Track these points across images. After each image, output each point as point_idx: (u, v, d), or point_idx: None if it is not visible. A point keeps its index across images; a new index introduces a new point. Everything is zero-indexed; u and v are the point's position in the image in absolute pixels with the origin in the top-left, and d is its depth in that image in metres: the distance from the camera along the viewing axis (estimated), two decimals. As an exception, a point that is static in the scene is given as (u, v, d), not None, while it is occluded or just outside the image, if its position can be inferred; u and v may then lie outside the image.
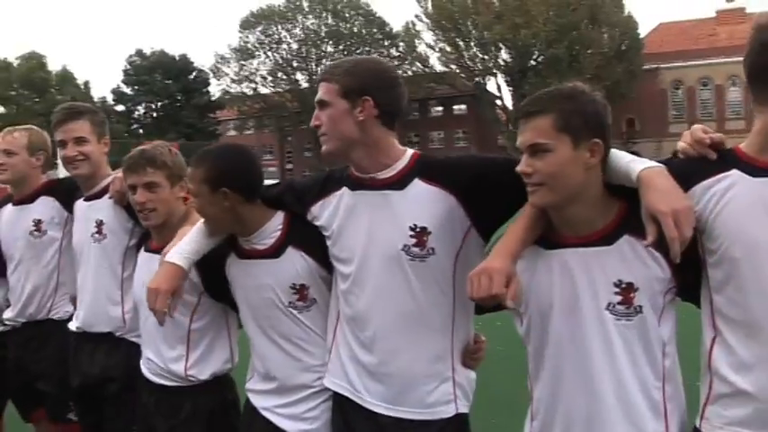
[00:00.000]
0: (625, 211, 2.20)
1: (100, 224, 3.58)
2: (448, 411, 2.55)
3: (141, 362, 3.25)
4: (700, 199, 2.08)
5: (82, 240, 3.66)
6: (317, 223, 2.72)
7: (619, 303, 2.16)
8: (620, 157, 2.22)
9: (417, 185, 2.51)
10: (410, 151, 2.59)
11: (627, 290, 2.15)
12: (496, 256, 2.21)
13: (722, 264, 2.06)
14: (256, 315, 2.87)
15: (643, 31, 65.31)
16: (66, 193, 3.86)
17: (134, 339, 3.44)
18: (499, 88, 64.87)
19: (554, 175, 2.13)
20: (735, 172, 2.06)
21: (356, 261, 2.57)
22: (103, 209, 3.59)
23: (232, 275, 2.92)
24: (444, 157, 2.67)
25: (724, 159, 2.10)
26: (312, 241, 2.74)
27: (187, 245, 2.84)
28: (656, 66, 65.55)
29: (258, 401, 2.91)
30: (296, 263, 2.78)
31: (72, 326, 3.69)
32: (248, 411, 2.96)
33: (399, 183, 2.52)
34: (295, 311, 2.79)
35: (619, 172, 2.19)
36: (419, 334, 2.52)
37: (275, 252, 2.80)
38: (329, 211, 2.67)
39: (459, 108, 73.36)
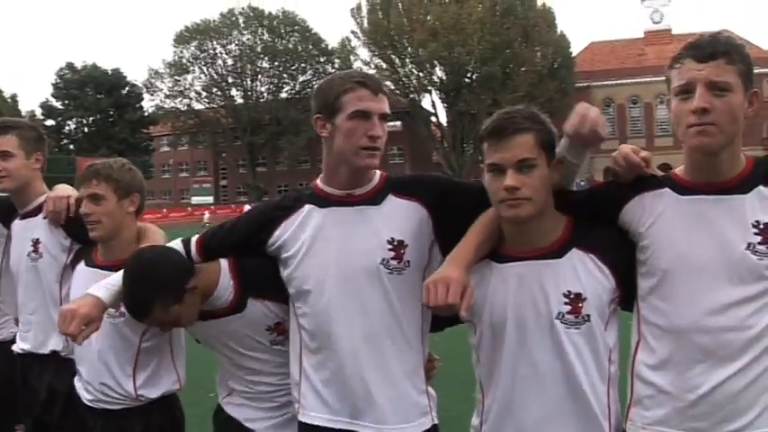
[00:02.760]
0: (572, 226, 2.34)
1: (36, 243, 3.46)
2: (426, 423, 2.56)
3: (78, 386, 3.13)
4: (635, 211, 2.30)
5: (18, 260, 3.54)
6: (277, 245, 2.61)
7: (568, 313, 2.24)
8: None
9: (392, 200, 2.54)
10: (379, 172, 2.61)
11: (575, 300, 2.24)
12: (452, 266, 2.27)
13: (650, 273, 2.25)
14: (237, 357, 2.82)
15: (575, 50, 66.64)
16: (2, 211, 3.71)
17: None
18: (434, 105, 65.72)
19: (538, 190, 2.22)
20: (666, 190, 2.27)
21: (329, 279, 2.51)
22: (39, 227, 3.47)
23: (197, 329, 2.85)
24: (411, 174, 2.75)
25: (658, 179, 2.31)
26: (268, 286, 2.66)
27: (118, 284, 2.70)
28: (587, 84, 66.84)
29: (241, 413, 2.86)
30: (262, 309, 2.72)
31: (17, 348, 3.57)
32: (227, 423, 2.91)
33: (375, 198, 2.54)
34: (279, 346, 2.75)
35: (559, 153, 2.33)
36: (399, 348, 2.51)
37: (237, 307, 2.72)
38: (292, 231, 2.59)
39: (394, 125, 73.58)
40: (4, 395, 3.65)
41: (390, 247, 2.48)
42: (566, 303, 2.24)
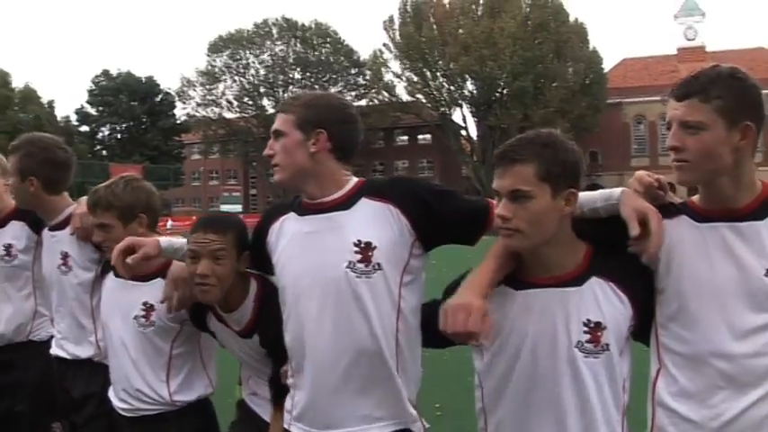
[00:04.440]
0: (591, 254, 2.28)
1: (65, 256, 3.54)
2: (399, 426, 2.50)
3: (112, 395, 3.19)
4: None
5: (50, 271, 3.62)
6: (269, 251, 2.66)
7: (587, 342, 2.21)
8: (589, 193, 2.34)
9: (363, 203, 2.50)
10: (355, 178, 2.60)
11: (595, 329, 2.20)
12: (471, 292, 2.20)
13: (669, 300, 2.23)
14: (255, 365, 2.97)
15: (607, 65, 66.40)
16: (35, 217, 3.79)
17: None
18: (464, 119, 65.53)
19: (532, 222, 2.16)
20: (684, 217, 2.26)
21: (301, 288, 2.50)
22: (67, 241, 3.54)
23: (214, 329, 3.00)
24: (387, 177, 2.74)
25: (676, 206, 2.30)
26: (277, 321, 2.65)
27: (180, 243, 2.90)
28: (619, 100, 66.51)
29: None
30: (265, 339, 2.84)
31: (52, 352, 3.65)
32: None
33: (346, 203, 2.51)
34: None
35: (591, 202, 2.31)
36: (371, 357, 2.44)
37: (247, 334, 2.86)
38: (274, 238, 2.63)
39: (424, 138, 73.79)
40: (42, 394, 3.74)
41: (357, 249, 2.42)
42: (585, 332, 2.21)
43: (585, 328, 2.21)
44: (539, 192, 2.16)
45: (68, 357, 3.55)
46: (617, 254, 2.26)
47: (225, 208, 66.88)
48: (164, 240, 2.92)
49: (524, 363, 2.26)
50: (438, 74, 63.83)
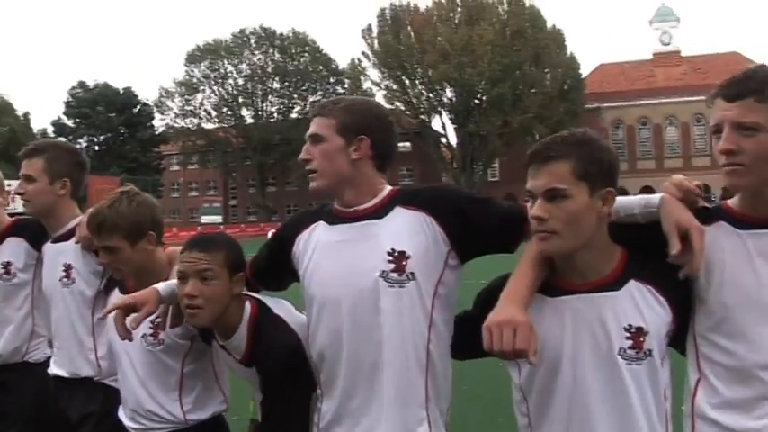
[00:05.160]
0: (627, 257, 2.18)
1: (68, 268, 3.41)
2: None
3: (122, 415, 3.03)
4: None
5: (51, 285, 3.48)
6: (295, 261, 2.54)
7: (630, 348, 2.10)
8: (625, 198, 2.23)
9: (398, 212, 2.41)
10: (389, 186, 2.51)
11: (637, 334, 2.10)
12: (513, 306, 2.07)
13: (712, 310, 2.12)
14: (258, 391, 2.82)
15: (584, 71, 66.83)
16: (34, 232, 3.67)
17: (112, 384, 3.26)
18: (444, 126, 65.78)
19: (569, 223, 2.05)
20: (722, 223, 2.16)
21: (330, 299, 2.41)
22: (71, 252, 3.41)
23: (219, 353, 2.84)
24: (422, 185, 2.65)
25: (712, 211, 2.20)
26: (277, 351, 2.57)
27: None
28: (597, 105, 66.94)
29: None
30: (262, 369, 2.67)
31: (50, 371, 3.52)
32: None
33: (380, 212, 2.42)
34: None
35: (629, 207, 2.20)
36: (397, 370, 2.34)
37: (248, 363, 2.69)
38: (302, 246, 2.52)
39: (404, 146, 73.59)
40: (40, 417, 3.61)
41: (391, 258, 2.33)
42: (627, 338, 2.09)
43: (627, 334, 2.10)
44: (576, 190, 2.05)
45: (66, 376, 3.42)
46: (653, 256, 2.14)
47: (205, 219, 66.93)
48: (162, 287, 2.73)
49: (564, 374, 2.14)
50: (417, 82, 64.04)
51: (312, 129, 2.47)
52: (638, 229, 2.19)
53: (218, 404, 3.01)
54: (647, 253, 2.16)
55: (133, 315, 2.66)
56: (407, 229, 2.37)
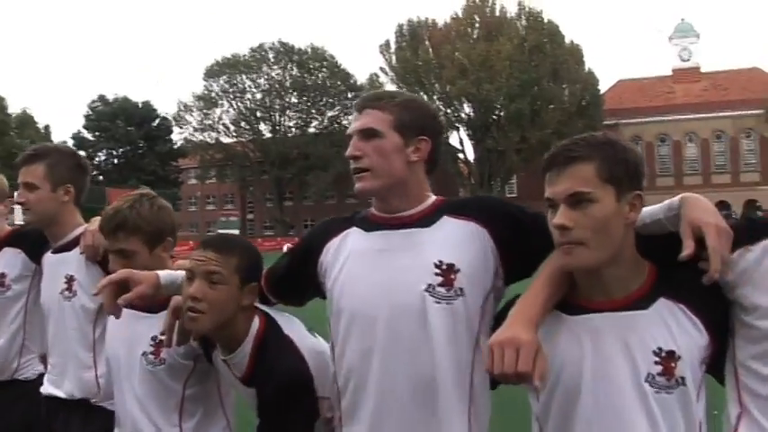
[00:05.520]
0: (656, 273, 1.97)
1: (70, 280, 3.18)
2: None
3: None
4: (738, 264, 1.91)
5: (50, 297, 3.25)
6: (323, 272, 2.31)
7: (659, 374, 1.87)
8: (650, 207, 2.03)
9: (445, 221, 2.19)
10: (434, 196, 2.32)
11: (668, 359, 1.87)
12: (519, 325, 1.88)
13: (758, 339, 1.88)
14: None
15: (603, 87, 66.55)
16: (33, 243, 3.46)
17: (111, 408, 3.00)
18: (461, 142, 65.48)
19: (597, 231, 1.85)
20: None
21: (364, 314, 2.17)
22: (73, 263, 3.19)
23: (220, 369, 2.63)
24: (470, 196, 2.47)
25: (759, 225, 1.97)
26: (280, 375, 2.37)
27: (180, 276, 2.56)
28: (615, 121, 66.60)
29: None
30: (263, 393, 2.46)
31: (43, 390, 3.28)
32: None
33: (425, 219, 2.21)
34: None
35: (655, 213, 1.99)
36: (441, 394, 2.11)
37: (248, 382, 2.49)
38: (332, 255, 2.29)
39: (422, 160, 73.59)
40: None
41: (438, 271, 2.11)
42: (656, 363, 1.87)
43: (656, 359, 1.87)
44: (602, 194, 1.86)
45: (62, 396, 3.17)
46: (685, 271, 1.91)
47: (222, 233, 66.68)
48: (164, 274, 2.55)
49: (585, 402, 1.92)
50: (435, 97, 63.79)
51: (363, 122, 2.21)
52: (668, 241, 1.95)
53: (221, 429, 2.75)
54: (680, 266, 1.91)
55: (125, 296, 2.46)
56: (457, 240, 2.16)
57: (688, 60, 72.54)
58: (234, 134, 73.63)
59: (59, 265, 3.25)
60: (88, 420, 3.12)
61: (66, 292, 3.19)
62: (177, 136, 73.18)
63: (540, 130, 58.31)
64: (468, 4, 63.36)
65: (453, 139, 65.67)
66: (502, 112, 61.11)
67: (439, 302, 2.11)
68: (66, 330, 3.19)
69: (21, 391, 3.50)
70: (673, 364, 1.87)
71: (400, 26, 65.60)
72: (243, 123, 73.40)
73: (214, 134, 73.26)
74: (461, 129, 64.77)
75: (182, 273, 2.53)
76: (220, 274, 2.39)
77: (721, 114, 65.87)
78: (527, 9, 62.75)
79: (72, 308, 3.18)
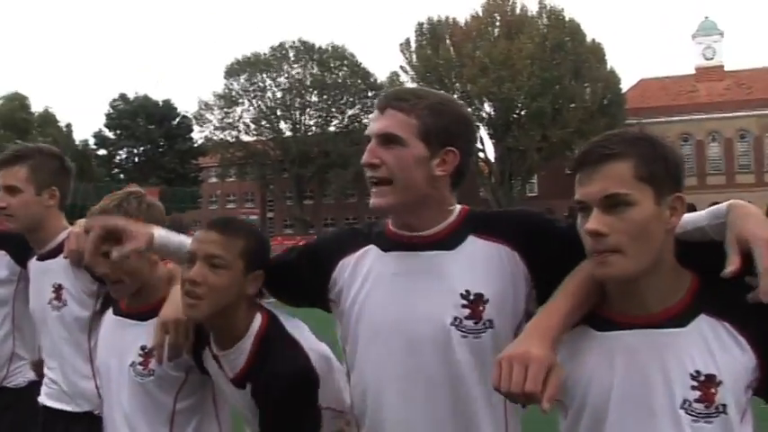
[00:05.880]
0: (697, 285, 1.78)
1: (58, 289, 2.99)
2: None
3: None
4: None
5: (39, 307, 3.09)
6: (336, 290, 2.11)
7: (697, 401, 1.68)
8: (692, 213, 1.86)
9: (471, 243, 1.97)
10: (458, 206, 2.07)
11: (707, 384, 1.68)
12: (533, 339, 1.70)
13: None
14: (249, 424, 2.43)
15: (624, 86, 66.03)
16: (18, 246, 3.27)
17: None
18: (482, 141, 65.12)
19: (636, 237, 1.67)
20: None
21: (381, 346, 1.97)
22: (60, 270, 2.99)
23: (209, 369, 2.44)
24: (498, 209, 2.22)
25: None
26: (284, 376, 2.20)
27: (178, 240, 2.41)
28: (637, 120, 65.99)
29: None
30: (257, 394, 2.27)
31: (42, 401, 3.13)
32: None
33: (449, 241, 1.97)
34: None
35: (697, 221, 1.81)
36: None
37: (240, 382, 2.31)
38: (348, 275, 2.08)
39: (442, 159, 73.52)
40: None
41: (465, 302, 1.91)
42: (694, 388, 1.68)
43: (694, 383, 1.68)
44: (640, 196, 1.68)
45: (67, 409, 3.00)
46: (732, 284, 1.72)
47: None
48: (160, 234, 2.37)
49: (613, 427, 1.74)
50: (455, 96, 63.59)
51: (384, 125, 1.95)
52: (711, 248, 1.77)
53: None
54: (724, 279, 1.72)
55: (118, 250, 2.29)
56: (485, 266, 1.94)
57: (711, 59, 71.74)
58: (254, 132, 73.63)
59: (45, 274, 3.07)
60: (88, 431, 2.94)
61: (55, 302, 3.01)
62: (198, 134, 73.36)
63: (561, 128, 57.94)
64: (488, 2, 63.01)
65: (474, 138, 65.49)
66: (523, 110, 60.75)
67: (465, 336, 1.92)
68: (60, 343, 3.01)
69: (10, 399, 3.36)
70: (712, 390, 1.68)
71: (420, 25, 65.37)
72: (263, 122, 73.37)
73: (234, 133, 73.31)
74: (482, 127, 64.47)
75: (180, 239, 2.39)
76: (223, 257, 2.22)
77: (745, 113, 65.14)
78: (548, 7, 62.34)
79: (62, 318, 3.00)
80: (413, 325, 1.93)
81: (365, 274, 2.04)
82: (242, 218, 2.32)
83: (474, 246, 1.97)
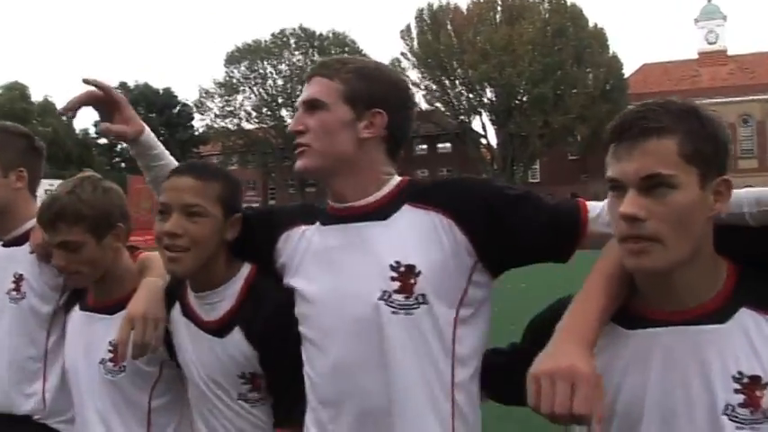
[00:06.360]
0: (736, 275, 1.58)
1: (19, 279, 2.70)
2: None
3: None
4: None
5: None
6: (279, 262, 2.03)
7: (741, 405, 1.48)
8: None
9: (405, 212, 1.86)
10: (398, 177, 1.97)
11: (752, 386, 1.49)
12: (574, 349, 1.48)
13: None
14: (199, 400, 2.21)
15: (627, 71, 65.80)
16: None
17: (56, 426, 2.64)
18: (484, 127, 65.22)
19: (677, 225, 1.47)
20: None
21: (318, 322, 1.87)
22: (24, 260, 2.70)
23: (173, 329, 2.25)
24: (443, 178, 2.07)
25: None
26: (261, 321, 2.04)
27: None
28: (640, 106, 65.92)
29: None
30: (242, 348, 2.09)
31: None
32: None
33: (382, 211, 1.87)
34: (245, 405, 2.12)
35: (736, 204, 1.57)
36: (410, 423, 1.78)
37: (221, 328, 2.12)
38: (290, 248, 2.01)
39: (444, 146, 73.32)
40: None
41: (395, 274, 1.77)
42: (738, 391, 1.49)
43: (737, 386, 1.49)
44: (684, 178, 1.47)
45: (2, 412, 2.68)
46: None
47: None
48: (149, 134, 2.32)
49: None
50: (457, 82, 63.47)
51: (309, 92, 1.91)
52: (750, 235, 1.58)
53: None
54: (765, 269, 1.56)
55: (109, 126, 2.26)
56: (417, 235, 1.81)
57: (714, 43, 71.47)
58: (255, 120, 73.56)
59: (8, 262, 2.75)
60: None
61: (14, 293, 2.70)
62: (198, 123, 73.31)
63: (563, 114, 57.81)
64: (489, -13, 62.79)
65: (476, 124, 65.60)
66: (525, 96, 60.65)
67: (396, 312, 1.77)
68: (11, 336, 2.70)
69: None
70: (758, 393, 1.48)
71: (420, 11, 65.14)
72: (264, 110, 73.25)
73: (236, 121, 73.24)
74: (484, 113, 64.38)
75: (167, 158, 2.31)
76: (201, 205, 2.05)
77: (748, 98, 64.90)
78: (550, -8, 62.12)
79: (19, 311, 2.69)
80: (345, 302, 1.83)
81: (303, 250, 1.97)
82: (244, 205, 2.14)
83: (407, 215, 1.86)
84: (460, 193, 1.86)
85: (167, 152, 2.40)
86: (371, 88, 1.89)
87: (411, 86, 2.04)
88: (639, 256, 1.49)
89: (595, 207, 1.78)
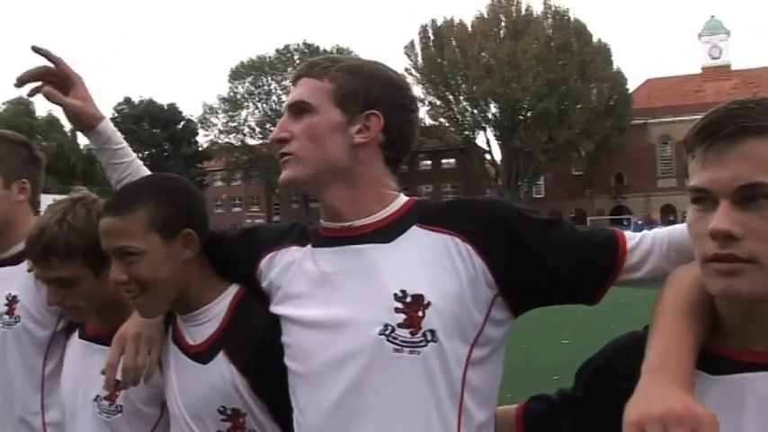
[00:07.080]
0: None
1: (12, 301, 2.43)
2: None
3: None
4: None
5: None
6: (264, 285, 1.78)
7: None
8: None
9: (413, 234, 1.59)
10: (405, 197, 1.70)
11: None
12: (679, 389, 1.20)
13: None
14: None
15: (631, 86, 65.78)
16: None
17: None
18: (488, 142, 65.01)
19: None
20: None
21: (307, 357, 1.61)
22: (19, 280, 2.42)
23: (164, 360, 1.97)
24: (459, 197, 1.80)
25: None
26: (249, 343, 1.80)
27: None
28: (644, 121, 65.75)
29: None
30: (227, 378, 1.82)
31: None
32: None
33: (387, 232, 1.61)
34: None
35: None
36: None
37: (205, 353, 1.86)
38: (274, 273, 1.76)
39: (448, 162, 73.34)
40: None
41: (399, 305, 1.51)
42: None
43: None
44: None
45: None
46: None
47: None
48: (109, 124, 2.19)
49: None
50: (461, 97, 63.52)
51: (294, 94, 1.68)
52: None
53: None
54: None
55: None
56: (426, 261, 1.55)
57: (718, 58, 71.49)
58: (259, 136, 73.57)
59: (1, 282, 2.49)
60: None
61: (6, 317, 2.44)
62: (203, 138, 73.41)
63: (567, 129, 57.80)
64: (492, 3, 62.95)
65: (480, 140, 65.39)
66: (529, 111, 60.68)
67: (400, 350, 1.50)
68: (5, 363, 2.44)
69: None
70: None
71: (424, 27, 65.28)
72: (268, 125, 73.26)
73: (240, 136, 73.31)
74: (488, 129, 64.34)
75: (134, 164, 2.15)
76: (129, 246, 1.77)
77: (753, 113, 64.88)
78: (553, 8, 62.26)
79: (14, 336, 2.43)
80: (341, 337, 1.56)
81: (292, 274, 1.71)
82: (248, 221, 1.91)
83: (416, 237, 1.60)
84: (480, 214, 1.60)
85: (134, 154, 2.22)
86: (365, 87, 1.65)
87: (409, 87, 1.78)
88: (732, 278, 1.21)
89: (633, 236, 1.56)
